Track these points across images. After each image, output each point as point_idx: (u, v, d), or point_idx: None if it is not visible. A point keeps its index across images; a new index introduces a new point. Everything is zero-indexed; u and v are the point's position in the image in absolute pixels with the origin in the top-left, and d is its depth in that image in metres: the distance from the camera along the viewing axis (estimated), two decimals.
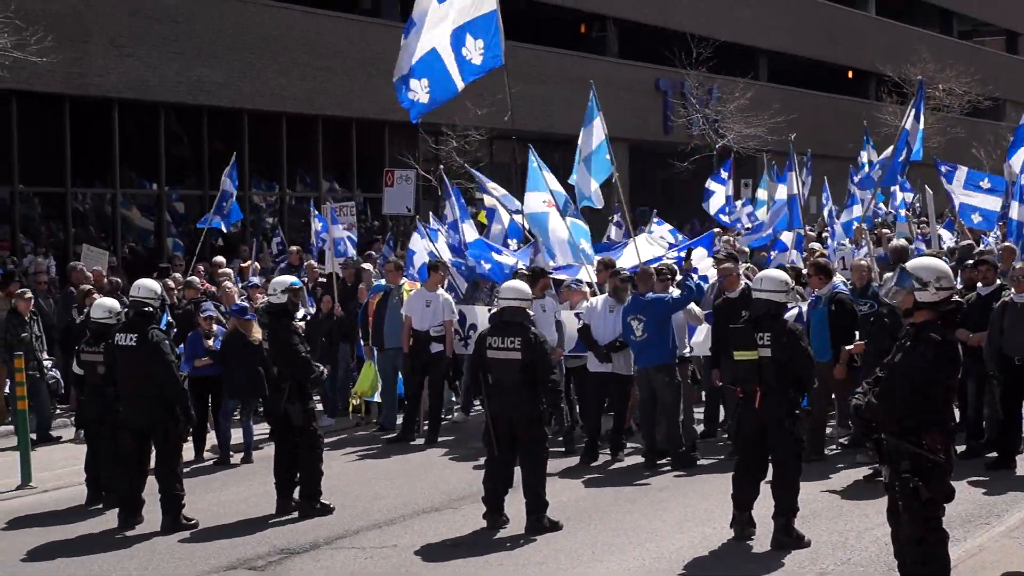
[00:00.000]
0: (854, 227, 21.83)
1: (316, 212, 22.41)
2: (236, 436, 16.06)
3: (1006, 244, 18.46)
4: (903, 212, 25.94)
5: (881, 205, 26.09)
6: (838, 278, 15.61)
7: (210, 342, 16.02)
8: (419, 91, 17.77)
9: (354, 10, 34.64)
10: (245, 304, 16.59)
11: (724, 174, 26.66)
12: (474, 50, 17.71)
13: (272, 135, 32.01)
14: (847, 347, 13.98)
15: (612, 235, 24.72)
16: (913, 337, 8.47)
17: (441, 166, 24.94)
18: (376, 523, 12.44)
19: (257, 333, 15.72)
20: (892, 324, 13.27)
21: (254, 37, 30.60)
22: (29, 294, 18.38)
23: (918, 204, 30.33)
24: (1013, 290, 14.10)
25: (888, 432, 8.45)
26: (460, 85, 18.04)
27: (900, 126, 19.20)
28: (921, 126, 18.61)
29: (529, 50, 37.26)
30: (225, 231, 24.87)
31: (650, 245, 19.11)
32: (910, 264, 8.82)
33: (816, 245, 20.00)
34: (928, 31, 59.05)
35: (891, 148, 19.15)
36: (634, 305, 14.76)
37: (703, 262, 16.97)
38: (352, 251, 21.40)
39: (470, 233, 19.09)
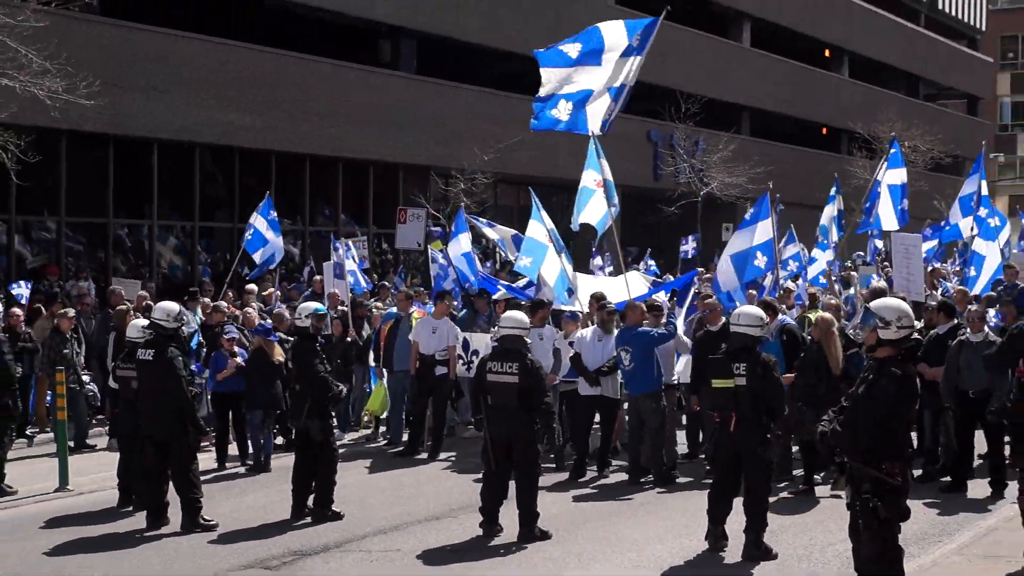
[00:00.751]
0: (824, 271, 21.95)
1: (336, 243, 22.37)
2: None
3: (960, 287, 18.56)
4: (878, 257, 26.00)
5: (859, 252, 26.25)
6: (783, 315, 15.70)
7: (237, 359, 16.09)
8: (562, 112, 17.41)
9: (374, 64, 34.75)
10: (268, 326, 16.67)
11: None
12: (616, 109, 17.64)
13: (297, 175, 32.08)
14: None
15: (595, 272, 24.78)
16: (876, 371, 8.48)
17: (462, 204, 24.87)
18: (382, 529, 12.43)
19: (278, 354, 15.79)
20: (818, 360, 13.49)
21: (282, 86, 30.68)
22: (72, 313, 18.42)
23: (885, 249, 30.40)
24: (968, 330, 14.15)
25: (851, 458, 8.46)
26: (592, 129, 17.51)
27: (872, 178, 19.42)
28: (900, 180, 18.96)
29: None
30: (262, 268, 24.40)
31: (639, 282, 19.10)
32: (874, 304, 8.83)
33: (792, 285, 20.01)
34: (896, 93, 59.33)
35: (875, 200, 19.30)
36: (622, 337, 14.82)
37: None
38: (363, 285, 21.41)
39: (465, 243, 19.26)
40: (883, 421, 8.30)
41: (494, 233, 20.93)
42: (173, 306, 13.25)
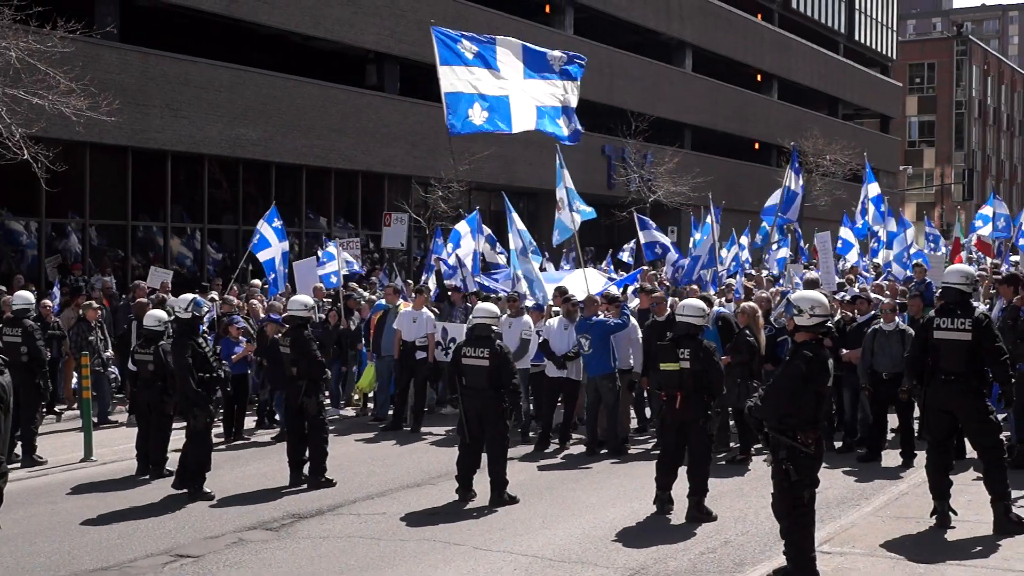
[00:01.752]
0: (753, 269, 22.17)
1: (330, 243, 22.20)
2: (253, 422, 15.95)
3: (876, 283, 18.66)
4: (813, 258, 26.08)
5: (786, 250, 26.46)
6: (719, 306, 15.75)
7: (245, 344, 16.03)
8: (476, 116, 17.09)
9: (362, 86, 34.64)
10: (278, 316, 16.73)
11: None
12: (565, 126, 17.56)
13: (294, 183, 31.93)
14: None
15: (564, 268, 24.84)
16: (792, 353, 8.55)
17: (476, 209, 24.71)
18: (370, 495, 12.37)
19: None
20: (749, 345, 13.53)
21: (281, 105, 30.53)
22: (96, 304, 18.27)
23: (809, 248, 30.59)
24: (882, 320, 14.21)
25: (771, 428, 8.48)
26: (519, 128, 17.29)
27: (782, 183, 20.19)
28: (796, 187, 19.70)
29: None
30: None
31: (596, 278, 19.14)
32: (793, 295, 8.91)
33: (732, 281, 20.19)
34: (819, 113, 59.55)
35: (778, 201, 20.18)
36: (581, 326, 14.80)
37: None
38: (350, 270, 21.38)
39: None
40: (796, 393, 8.33)
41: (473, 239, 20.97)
42: (186, 297, 13.16)
